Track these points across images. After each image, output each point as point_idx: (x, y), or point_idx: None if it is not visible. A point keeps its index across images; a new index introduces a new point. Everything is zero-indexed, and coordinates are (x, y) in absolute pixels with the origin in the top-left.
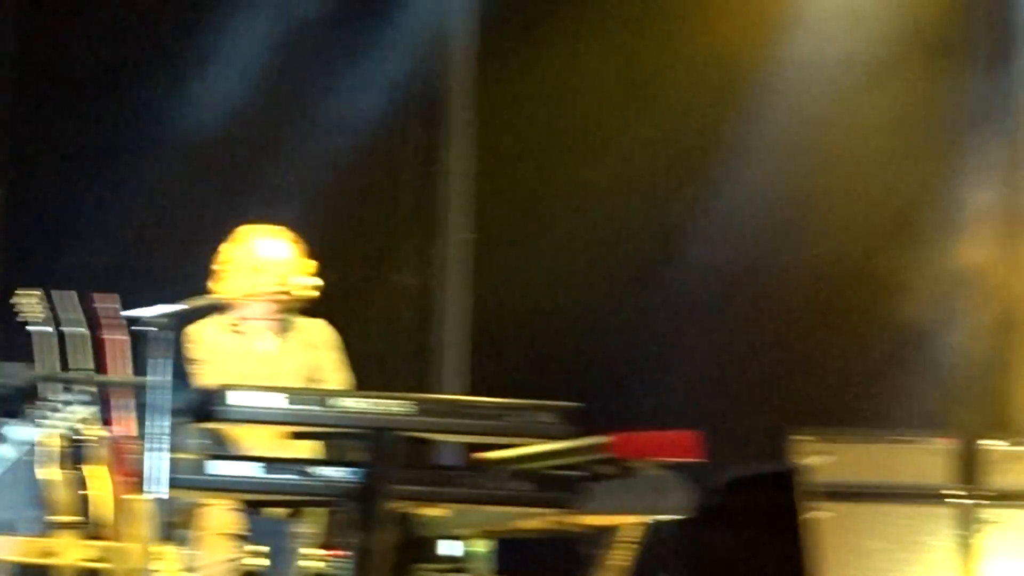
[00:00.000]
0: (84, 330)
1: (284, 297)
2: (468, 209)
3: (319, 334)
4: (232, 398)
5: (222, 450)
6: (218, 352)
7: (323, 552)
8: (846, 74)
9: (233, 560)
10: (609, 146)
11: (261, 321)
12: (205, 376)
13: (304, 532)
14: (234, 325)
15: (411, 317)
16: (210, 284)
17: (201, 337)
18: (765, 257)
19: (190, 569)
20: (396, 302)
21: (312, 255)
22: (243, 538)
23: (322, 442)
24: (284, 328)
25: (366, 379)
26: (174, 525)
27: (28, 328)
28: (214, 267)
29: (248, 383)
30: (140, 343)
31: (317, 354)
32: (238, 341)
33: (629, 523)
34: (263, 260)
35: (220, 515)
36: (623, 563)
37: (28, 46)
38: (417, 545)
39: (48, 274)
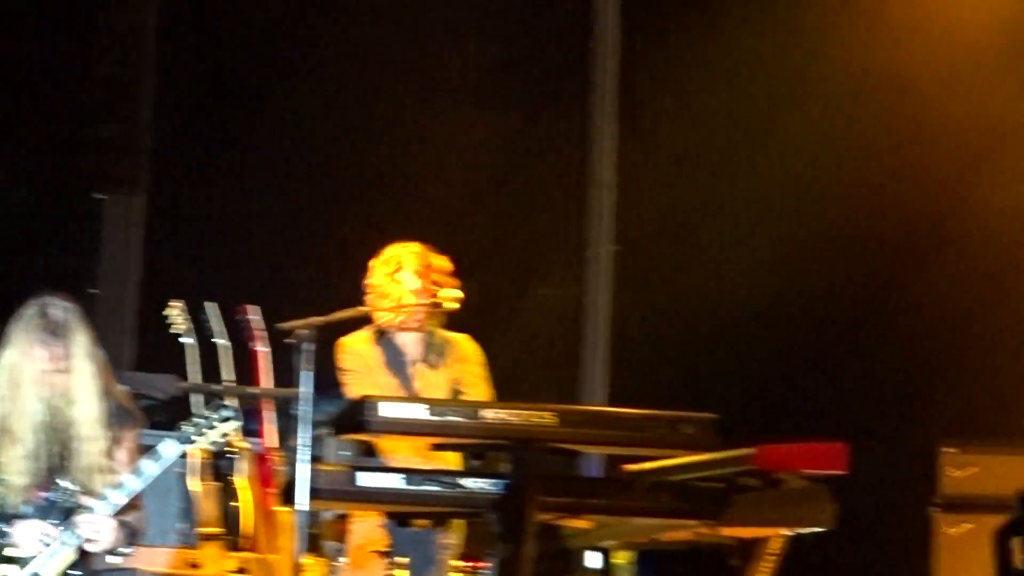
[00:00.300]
0: (227, 341)
1: (429, 311)
2: (612, 221)
3: (464, 348)
4: (379, 409)
5: (367, 462)
6: (366, 364)
7: (465, 563)
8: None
9: (377, 572)
10: (752, 158)
11: (407, 334)
12: (353, 388)
13: (447, 543)
14: (381, 338)
15: (556, 329)
16: (362, 299)
17: (350, 349)
18: (910, 267)
19: None
20: (542, 314)
21: (458, 269)
22: (387, 550)
23: (463, 454)
24: (429, 342)
25: (511, 391)
26: (319, 537)
27: (179, 340)
28: (365, 282)
29: (394, 395)
30: (284, 355)
31: (461, 368)
32: (385, 354)
33: (772, 535)
34: (409, 276)
35: (365, 527)
36: (766, 574)
37: (171, 56)
38: (560, 556)
39: (188, 284)
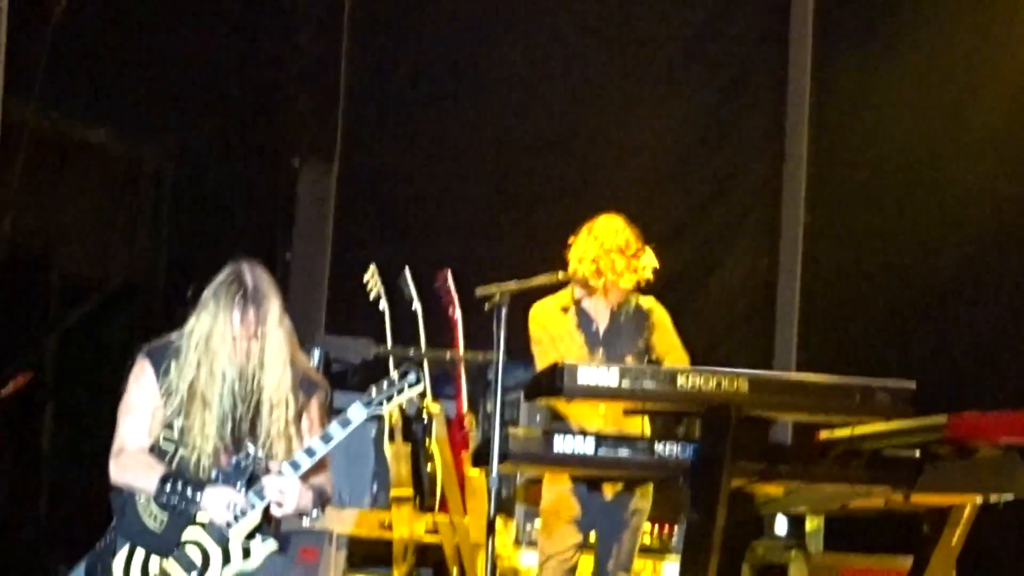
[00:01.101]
0: (419, 306)
1: (622, 280)
2: (803, 193)
3: (654, 316)
4: (576, 375)
5: (559, 427)
6: (557, 331)
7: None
8: None
9: (573, 546)
10: (948, 128)
11: (599, 300)
12: (546, 354)
13: (637, 508)
14: (573, 304)
15: (749, 298)
16: (557, 267)
17: (541, 316)
18: None
19: (525, 544)
20: (735, 284)
21: (654, 239)
22: (578, 512)
23: (651, 420)
24: (621, 310)
25: (704, 358)
26: (511, 500)
27: (376, 304)
28: (567, 249)
29: (587, 361)
30: (477, 319)
31: (653, 336)
32: (576, 320)
33: (964, 503)
34: (604, 245)
35: (556, 492)
36: (955, 542)
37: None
38: (750, 522)
39: (380, 250)
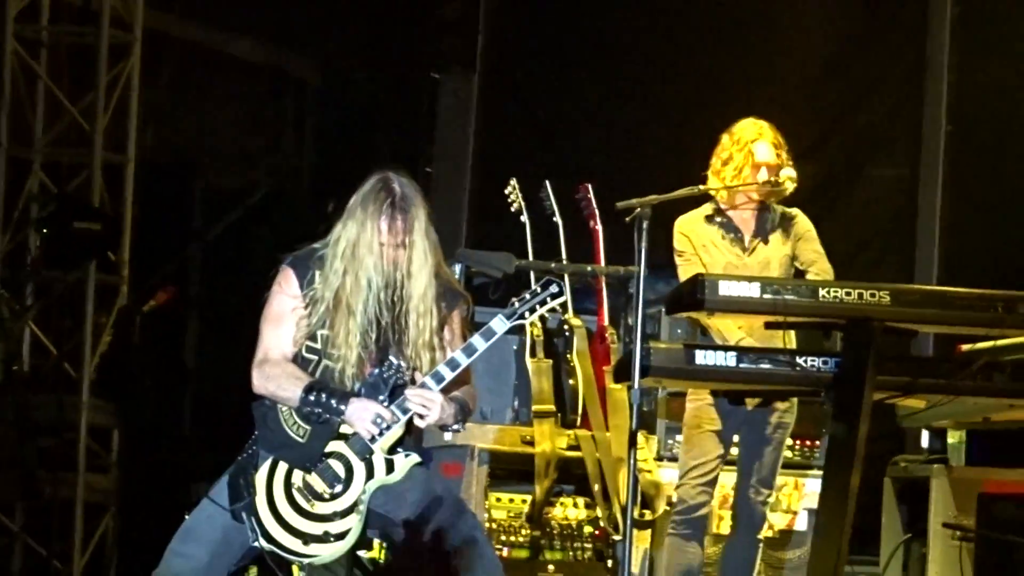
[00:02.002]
0: (558, 219)
1: (767, 190)
2: (946, 102)
3: (799, 225)
4: (718, 288)
5: (700, 340)
6: (701, 243)
7: (797, 442)
8: None
9: (714, 458)
10: None
11: (744, 211)
12: (687, 268)
13: (780, 422)
14: (718, 216)
15: (890, 209)
16: (706, 174)
17: (686, 229)
18: None
19: (667, 459)
20: (876, 194)
21: (797, 150)
22: (720, 425)
23: (796, 334)
24: (765, 220)
25: (846, 270)
26: (653, 415)
27: (518, 218)
28: (712, 159)
29: (731, 274)
30: (619, 232)
31: (797, 245)
32: (721, 232)
33: None
34: (755, 157)
35: (698, 406)
36: None
37: None
38: (893, 436)
39: (521, 163)
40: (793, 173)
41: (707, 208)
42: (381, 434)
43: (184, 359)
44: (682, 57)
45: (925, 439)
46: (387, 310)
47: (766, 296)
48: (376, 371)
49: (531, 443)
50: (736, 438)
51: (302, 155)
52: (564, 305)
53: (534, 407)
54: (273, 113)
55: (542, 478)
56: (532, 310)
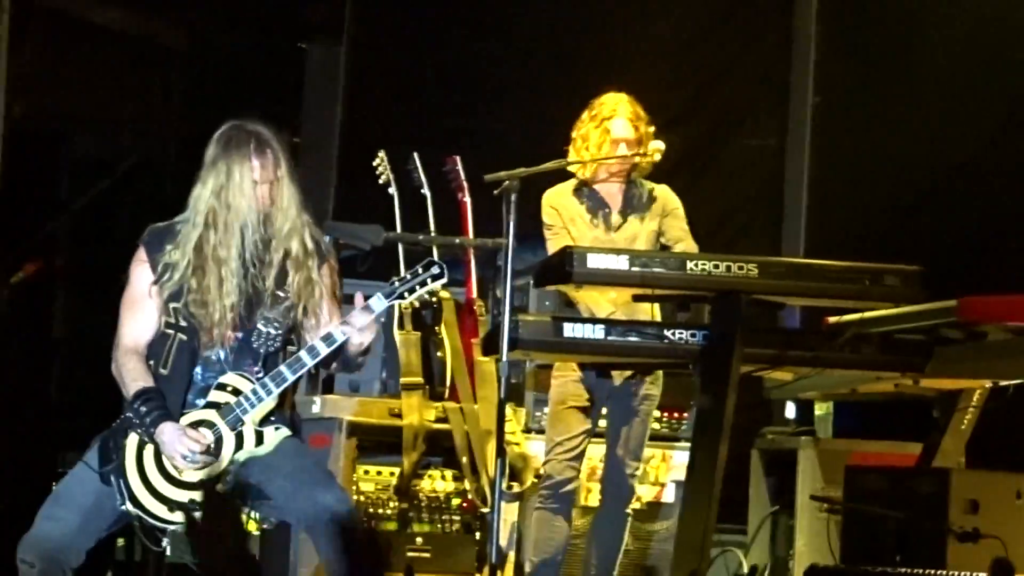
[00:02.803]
0: (427, 191)
1: (633, 162)
2: (812, 72)
3: (667, 200)
4: (586, 261)
5: (569, 312)
6: (569, 217)
7: (665, 414)
8: None
9: (580, 433)
10: (955, 7)
11: (611, 185)
12: (555, 242)
13: (647, 395)
14: (584, 189)
15: (757, 179)
16: (567, 149)
17: (553, 202)
18: None
19: (535, 431)
20: (743, 165)
21: (663, 120)
22: (586, 400)
23: (660, 307)
24: (632, 195)
25: (713, 241)
26: (521, 387)
27: (385, 189)
28: (572, 133)
29: (598, 247)
30: (486, 205)
31: (664, 221)
32: (588, 205)
33: (974, 387)
34: (621, 122)
35: (565, 379)
36: (965, 427)
37: None
38: (760, 407)
39: (389, 134)
40: (661, 145)
41: (573, 182)
42: (187, 460)
43: (51, 330)
44: (549, 28)
45: (791, 410)
46: (257, 261)
47: (634, 268)
48: (241, 336)
49: (399, 415)
50: (604, 411)
51: (169, 124)
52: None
53: (402, 379)
54: (140, 82)
55: (410, 450)
56: (412, 290)
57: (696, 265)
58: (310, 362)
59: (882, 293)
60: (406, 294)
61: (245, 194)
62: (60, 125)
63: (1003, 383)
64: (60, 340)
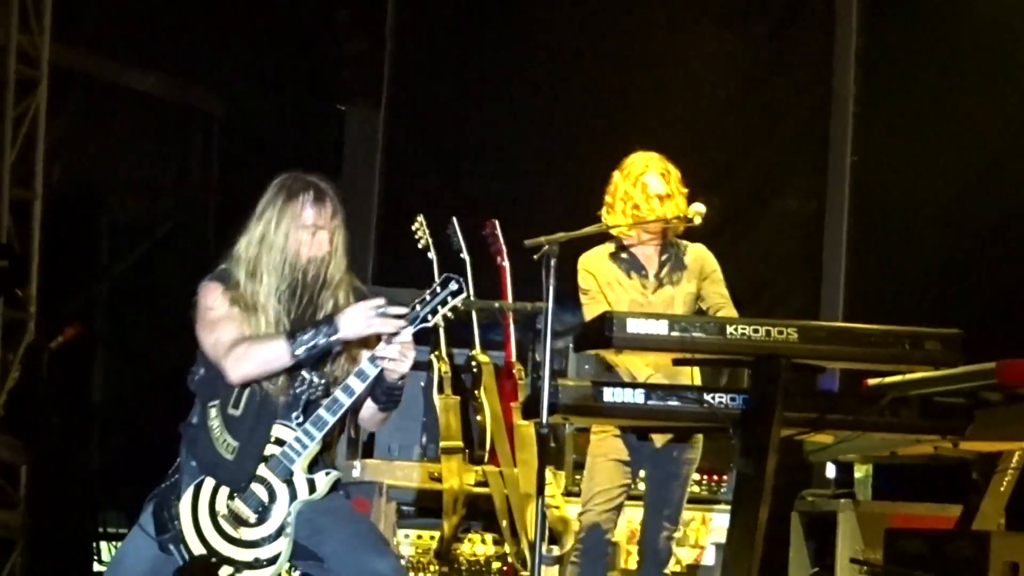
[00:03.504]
0: (466, 255)
1: (669, 226)
2: (851, 132)
3: (703, 262)
4: (625, 325)
5: (608, 377)
6: (607, 281)
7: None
8: None
9: (619, 486)
10: (996, 71)
11: (647, 247)
12: (595, 305)
13: (687, 458)
14: (621, 252)
15: (796, 241)
16: (601, 213)
17: (589, 266)
18: None
19: (575, 495)
20: (782, 227)
21: (703, 182)
22: (628, 463)
23: (701, 371)
24: (669, 256)
25: (752, 303)
26: (561, 450)
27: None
28: (605, 197)
29: (635, 311)
30: (525, 268)
31: (703, 285)
32: (626, 270)
33: (1013, 449)
34: (648, 190)
35: (604, 439)
36: (1004, 488)
37: None
38: (800, 469)
39: (427, 197)
40: (702, 208)
41: (610, 245)
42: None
43: (92, 394)
44: (588, 91)
45: (831, 470)
46: (307, 306)
47: (674, 333)
48: (291, 392)
49: (439, 479)
50: (642, 473)
51: (208, 188)
52: (472, 341)
53: (442, 443)
54: (179, 147)
55: (450, 514)
56: (434, 312)
57: (736, 329)
58: (348, 401)
59: (922, 357)
60: (429, 317)
61: (290, 239)
62: (99, 190)
63: None
64: (99, 404)
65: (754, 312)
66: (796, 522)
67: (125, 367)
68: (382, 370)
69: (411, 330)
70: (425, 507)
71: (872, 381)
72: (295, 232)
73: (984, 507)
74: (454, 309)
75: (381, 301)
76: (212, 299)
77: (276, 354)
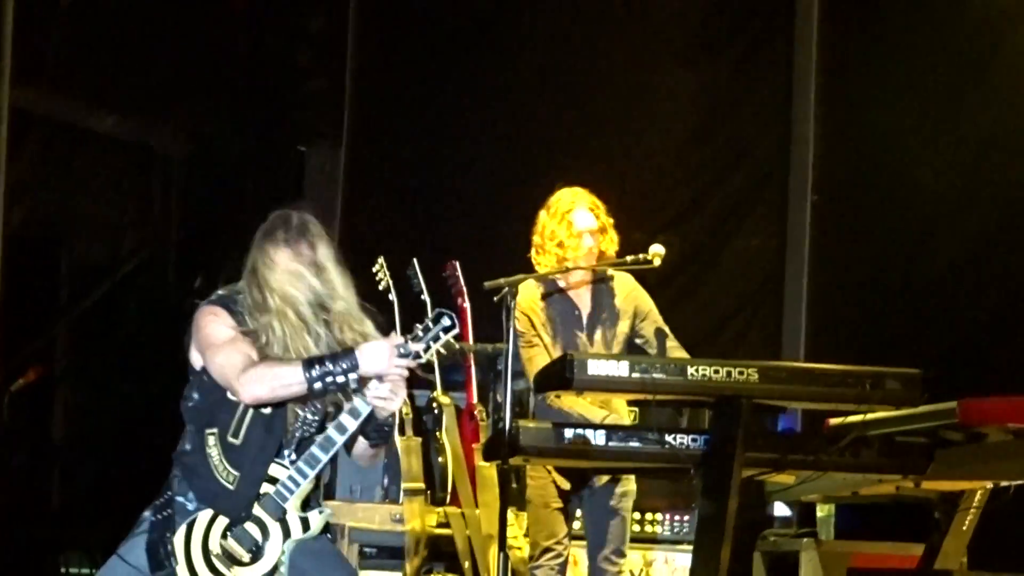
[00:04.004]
0: (426, 297)
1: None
2: (811, 172)
3: (636, 302)
4: (586, 367)
5: (569, 417)
6: (542, 322)
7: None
8: None
9: (564, 536)
10: (955, 112)
11: (580, 289)
12: (531, 349)
13: (623, 491)
14: (556, 294)
15: (756, 281)
16: (530, 255)
17: (526, 308)
18: None
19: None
20: (742, 266)
21: (662, 221)
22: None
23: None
24: (601, 295)
25: (712, 342)
26: (522, 492)
27: (388, 296)
28: (533, 237)
29: (575, 351)
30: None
31: (639, 323)
32: (559, 311)
33: (975, 488)
34: (573, 228)
35: (539, 480)
36: (967, 528)
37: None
38: (759, 507)
39: (387, 237)
40: (661, 249)
41: (541, 287)
42: (402, 353)
43: (52, 434)
44: (548, 130)
45: (782, 509)
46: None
47: (635, 375)
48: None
49: (401, 521)
50: (579, 512)
51: (169, 229)
52: (433, 383)
53: (404, 485)
54: (139, 187)
55: (412, 556)
56: (427, 348)
57: (697, 371)
58: (340, 440)
59: (882, 396)
60: (422, 352)
61: (280, 279)
62: (59, 231)
63: (1004, 483)
64: (60, 444)
65: (716, 350)
66: (759, 561)
67: (86, 406)
68: (372, 408)
69: (403, 364)
70: (387, 548)
71: (834, 421)
72: (279, 270)
73: (946, 546)
74: (447, 345)
75: (401, 340)
76: (218, 320)
77: (293, 379)
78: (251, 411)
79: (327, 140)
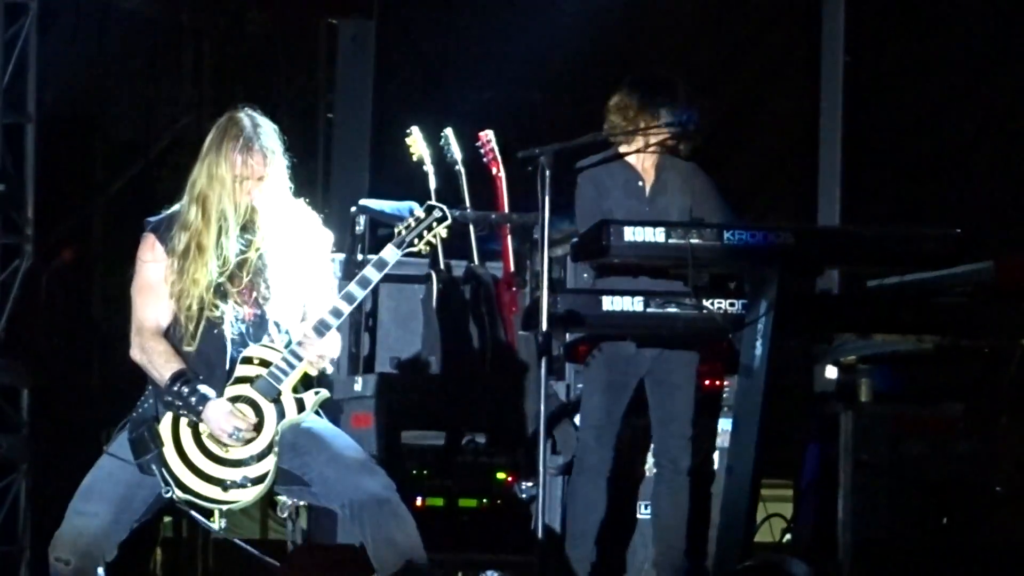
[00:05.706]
0: (460, 166)
1: (666, 138)
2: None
3: (698, 181)
4: (623, 234)
5: (608, 284)
6: (603, 190)
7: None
8: None
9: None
10: None
11: (645, 161)
12: (587, 214)
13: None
14: (619, 164)
15: (793, 141)
16: (601, 124)
17: (588, 175)
18: None
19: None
20: (778, 127)
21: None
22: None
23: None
24: (664, 169)
25: (749, 206)
26: (561, 359)
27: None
28: (609, 105)
29: (633, 217)
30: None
31: (697, 201)
32: (622, 180)
33: (1012, 347)
34: (642, 103)
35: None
36: (1001, 386)
37: None
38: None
39: (421, 109)
40: (693, 123)
41: (607, 155)
42: (235, 437)
43: (91, 314)
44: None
45: (832, 375)
46: (245, 243)
47: (671, 241)
48: (259, 312)
49: None
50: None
51: (201, 104)
52: (470, 253)
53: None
54: (171, 63)
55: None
56: (420, 236)
57: (733, 235)
58: (335, 322)
59: (920, 257)
60: (415, 241)
61: (226, 187)
62: (92, 111)
63: None
64: (99, 323)
65: (752, 213)
66: None
67: (123, 286)
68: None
69: (398, 254)
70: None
71: (871, 282)
72: (229, 180)
73: (986, 406)
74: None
75: (242, 425)
76: (146, 257)
77: (156, 377)
78: (204, 320)
79: (359, 11)
